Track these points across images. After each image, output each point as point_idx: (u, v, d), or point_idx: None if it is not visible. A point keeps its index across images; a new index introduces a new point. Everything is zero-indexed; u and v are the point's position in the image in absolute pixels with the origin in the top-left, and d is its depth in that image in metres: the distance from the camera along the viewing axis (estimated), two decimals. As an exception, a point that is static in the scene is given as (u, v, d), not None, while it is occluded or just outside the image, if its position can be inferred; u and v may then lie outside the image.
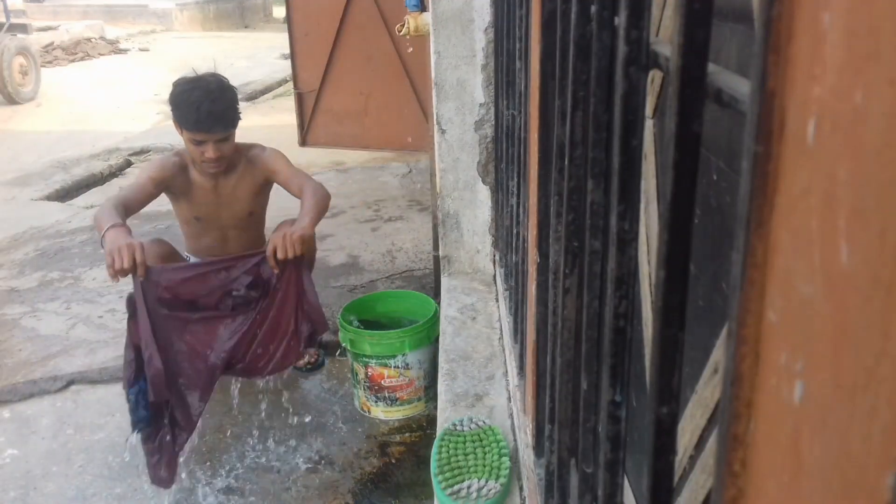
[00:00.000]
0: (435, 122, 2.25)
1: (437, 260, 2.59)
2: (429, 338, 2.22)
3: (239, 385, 2.36)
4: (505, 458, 1.41)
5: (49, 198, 4.55)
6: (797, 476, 0.31)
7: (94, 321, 2.86)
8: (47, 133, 6.33)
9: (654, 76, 1.10)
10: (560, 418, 0.96)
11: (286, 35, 3.99)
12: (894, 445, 0.25)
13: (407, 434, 2.21)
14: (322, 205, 2.21)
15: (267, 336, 2.12)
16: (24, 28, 8.09)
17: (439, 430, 1.56)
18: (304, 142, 4.14)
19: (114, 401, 2.37)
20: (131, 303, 1.99)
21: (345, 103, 3.96)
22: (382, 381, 2.22)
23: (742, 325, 0.36)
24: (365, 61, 3.83)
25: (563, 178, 0.86)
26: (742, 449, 0.37)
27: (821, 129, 0.29)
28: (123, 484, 2.02)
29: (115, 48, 11.00)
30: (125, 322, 2.59)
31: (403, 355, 2.19)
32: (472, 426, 1.51)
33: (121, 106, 7.38)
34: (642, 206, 1.12)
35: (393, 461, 2.10)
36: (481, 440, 1.47)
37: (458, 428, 1.51)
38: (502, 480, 1.37)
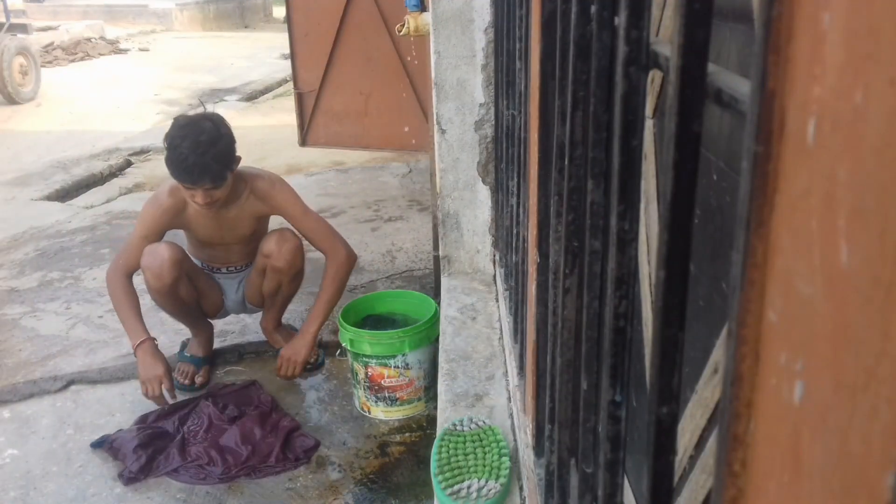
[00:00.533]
0: (435, 122, 2.25)
1: (437, 260, 2.59)
2: (429, 338, 2.22)
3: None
4: (505, 458, 1.41)
5: (49, 198, 4.55)
6: (797, 476, 0.31)
7: (94, 321, 2.86)
8: (47, 133, 6.33)
9: (654, 76, 1.10)
10: (560, 418, 0.96)
11: (286, 35, 3.99)
12: (894, 445, 0.25)
13: (407, 434, 2.21)
14: (342, 285, 2.35)
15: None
16: (24, 28, 8.09)
17: (439, 430, 1.56)
18: (304, 142, 4.14)
19: (114, 401, 2.37)
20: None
21: (345, 103, 3.96)
22: (382, 381, 2.22)
23: (742, 325, 0.36)
24: (365, 61, 3.83)
25: (563, 178, 0.86)
26: (742, 449, 0.37)
27: (821, 129, 0.29)
28: (123, 484, 2.02)
29: (115, 48, 11.00)
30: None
31: (403, 355, 2.19)
32: (472, 426, 1.51)
33: (121, 106, 7.38)
34: (642, 206, 1.12)
35: (393, 461, 2.10)
36: (481, 440, 1.47)
37: (458, 428, 1.51)
38: (502, 480, 1.37)
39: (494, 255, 2.30)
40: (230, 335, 2.69)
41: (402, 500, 1.96)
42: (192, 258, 2.44)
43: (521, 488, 1.39)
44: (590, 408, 0.81)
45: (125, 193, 4.63)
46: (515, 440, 1.52)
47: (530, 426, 1.25)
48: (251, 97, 7.85)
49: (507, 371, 1.76)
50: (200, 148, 2.04)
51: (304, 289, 2.95)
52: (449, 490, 1.35)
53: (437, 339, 2.13)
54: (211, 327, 2.55)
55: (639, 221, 0.63)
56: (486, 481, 1.36)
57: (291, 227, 2.34)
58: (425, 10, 2.63)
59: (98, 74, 9.11)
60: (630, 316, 0.64)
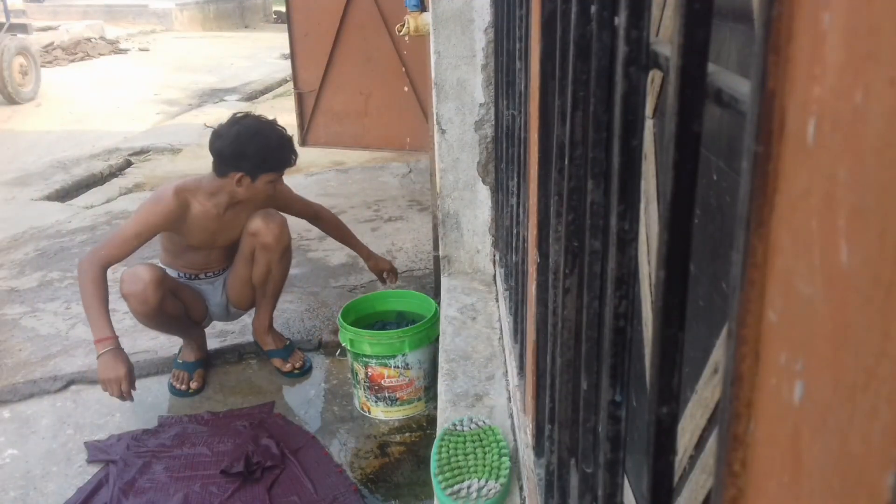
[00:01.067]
0: (435, 122, 2.25)
1: (437, 260, 2.59)
2: (429, 338, 2.22)
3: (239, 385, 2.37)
4: (505, 458, 1.41)
5: (49, 198, 4.55)
6: (797, 476, 0.31)
7: (94, 321, 2.85)
8: (47, 133, 6.33)
9: (654, 76, 1.10)
10: (560, 418, 0.96)
11: (286, 35, 3.99)
12: (894, 445, 0.25)
13: (407, 434, 2.21)
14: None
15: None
16: (24, 28, 8.09)
17: (439, 430, 1.56)
18: (304, 142, 4.14)
19: (114, 401, 2.37)
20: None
21: (345, 103, 3.96)
22: (382, 381, 2.22)
23: (742, 325, 0.36)
24: (365, 61, 3.83)
25: (563, 178, 0.86)
26: (742, 449, 0.37)
27: (821, 129, 0.29)
28: (123, 484, 2.02)
29: (115, 48, 11.01)
30: (125, 322, 2.60)
31: (403, 355, 2.19)
32: (472, 426, 1.51)
33: (121, 106, 7.38)
34: (642, 206, 1.12)
35: (393, 461, 2.10)
36: (481, 440, 1.47)
37: (458, 428, 1.51)
38: (502, 480, 1.37)
39: (494, 255, 2.30)
40: (230, 335, 2.69)
41: (402, 500, 1.96)
42: (169, 269, 2.42)
43: (521, 488, 1.39)
44: (590, 408, 0.81)
45: (125, 193, 4.64)
46: (515, 440, 1.52)
47: (530, 426, 1.25)
48: (251, 97, 7.85)
49: (507, 371, 1.76)
50: (276, 130, 2.23)
51: (305, 288, 2.96)
52: (449, 490, 1.35)
53: (437, 339, 2.13)
54: (202, 331, 2.54)
55: (639, 221, 0.63)
56: (486, 481, 1.36)
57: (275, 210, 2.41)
58: (425, 10, 2.63)
59: (98, 74, 9.11)
60: (630, 316, 0.64)
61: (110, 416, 2.30)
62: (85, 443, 2.16)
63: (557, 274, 0.90)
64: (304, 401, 2.39)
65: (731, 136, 1.02)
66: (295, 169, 5.21)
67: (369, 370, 2.21)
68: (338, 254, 3.39)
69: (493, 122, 2.17)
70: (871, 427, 0.26)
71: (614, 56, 0.65)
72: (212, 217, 2.26)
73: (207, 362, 2.53)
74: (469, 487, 1.35)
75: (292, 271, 2.58)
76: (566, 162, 0.83)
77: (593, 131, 0.73)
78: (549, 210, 0.97)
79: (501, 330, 1.95)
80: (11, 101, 7.32)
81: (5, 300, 3.07)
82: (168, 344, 2.56)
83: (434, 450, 1.46)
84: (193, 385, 2.42)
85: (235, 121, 2.22)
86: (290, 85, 4.28)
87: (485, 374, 1.80)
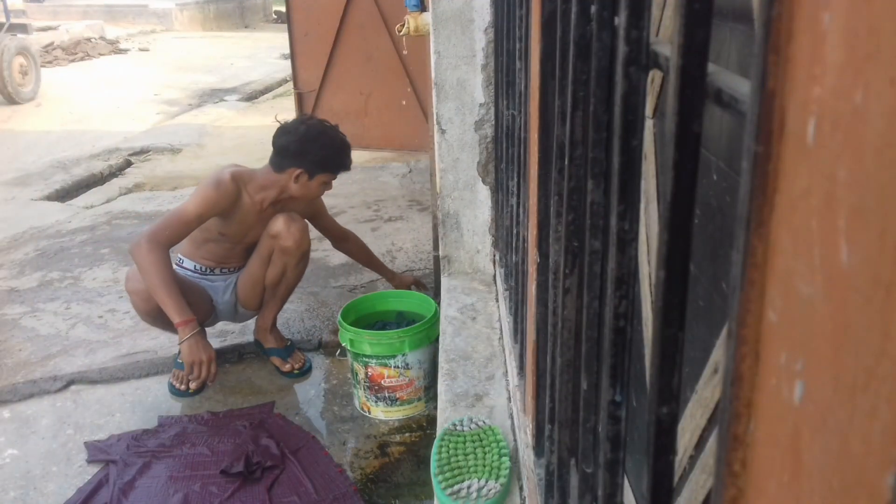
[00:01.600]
0: (435, 122, 2.25)
1: (437, 260, 2.59)
2: (429, 338, 2.22)
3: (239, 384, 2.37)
4: (505, 458, 1.41)
5: (49, 198, 4.55)
6: (797, 476, 0.31)
7: (94, 321, 2.86)
8: (47, 133, 6.33)
9: (654, 76, 1.10)
10: (560, 418, 0.96)
11: (286, 35, 4.00)
12: (894, 445, 0.25)
13: (407, 434, 2.21)
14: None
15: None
16: (24, 28, 8.10)
17: (439, 430, 1.56)
18: (304, 142, 4.13)
19: (114, 401, 2.37)
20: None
21: (345, 103, 3.96)
22: (382, 381, 2.22)
23: (742, 325, 0.36)
24: (365, 61, 3.84)
25: (563, 178, 0.86)
26: (742, 449, 0.37)
27: (821, 129, 0.29)
28: (123, 484, 2.02)
29: (115, 48, 11.01)
30: (125, 322, 2.60)
31: (403, 355, 2.19)
32: (472, 426, 1.51)
33: (121, 106, 7.38)
34: (642, 206, 1.12)
35: (393, 461, 2.10)
36: (481, 440, 1.47)
37: (458, 428, 1.51)
38: (502, 480, 1.37)
39: (494, 255, 2.30)
40: (230, 335, 2.69)
41: (402, 500, 1.96)
42: (186, 259, 2.43)
43: (521, 488, 1.39)
44: (590, 408, 0.81)
45: (125, 193, 4.64)
46: (515, 440, 1.52)
47: (530, 426, 1.25)
48: (251, 97, 7.85)
49: (507, 371, 1.76)
50: (338, 132, 2.31)
51: (305, 288, 2.96)
52: (449, 490, 1.35)
53: (437, 339, 2.13)
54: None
55: (639, 221, 0.63)
56: (486, 481, 1.36)
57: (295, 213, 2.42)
58: (425, 10, 2.63)
59: (98, 74, 9.11)
60: (630, 316, 0.64)
61: (110, 416, 2.30)
62: (85, 443, 2.16)
63: (557, 274, 0.90)
64: (304, 401, 2.39)
65: (731, 136, 1.02)
66: (295, 169, 5.17)
67: (369, 370, 2.21)
68: (338, 254, 3.39)
69: (493, 122, 2.17)
70: (871, 427, 0.26)
71: (614, 56, 0.65)
72: (255, 210, 2.31)
73: None
74: (469, 487, 1.35)
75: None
76: (566, 162, 0.83)
77: (593, 131, 0.73)
78: (549, 210, 0.97)
79: (501, 330, 1.95)
80: (11, 101, 7.32)
81: (5, 300, 3.07)
82: (168, 344, 2.56)
83: (434, 450, 1.46)
84: (193, 385, 2.42)
85: (302, 120, 2.35)
86: (290, 85, 4.28)
87: (485, 374, 1.80)
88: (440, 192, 2.32)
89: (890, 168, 0.25)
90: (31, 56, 7.67)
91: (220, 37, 12.84)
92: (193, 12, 13.84)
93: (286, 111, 4.55)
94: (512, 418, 1.60)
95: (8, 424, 2.27)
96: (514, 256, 1.59)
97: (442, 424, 1.60)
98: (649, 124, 1.18)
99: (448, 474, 1.38)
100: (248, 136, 5.83)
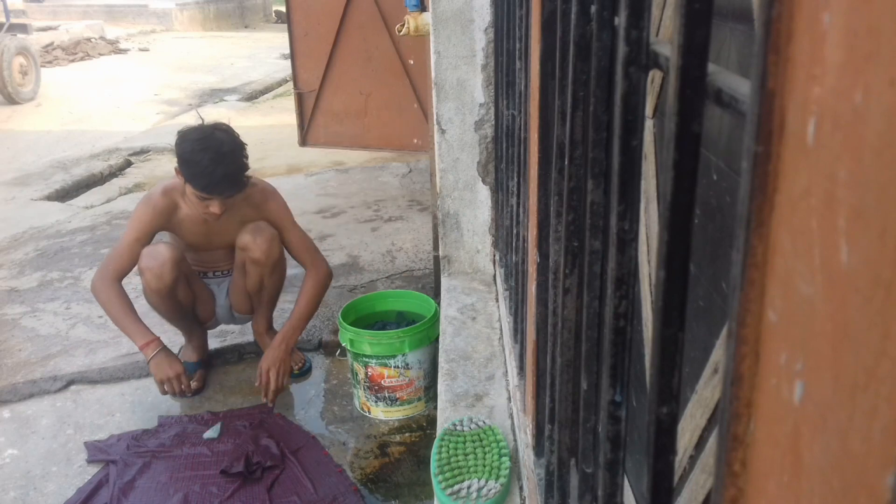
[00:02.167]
0: (435, 122, 2.25)
1: (437, 260, 2.59)
2: (429, 338, 2.22)
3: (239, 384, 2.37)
4: (505, 458, 1.41)
5: (49, 198, 4.55)
6: (797, 476, 0.31)
7: (95, 321, 2.86)
8: (47, 133, 6.33)
9: (654, 76, 1.10)
10: (560, 418, 0.96)
11: (286, 35, 3.99)
12: (894, 445, 0.25)
13: (407, 434, 2.21)
14: (318, 300, 2.38)
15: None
16: (24, 28, 8.10)
17: (439, 430, 1.56)
18: (304, 142, 4.14)
19: (114, 401, 2.38)
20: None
21: (345, 103, 3.96)
22: (382, 381, 2.22)
23: (742, 325, 0.36)
24: (365, 61, 3.83)
25: (563, 178, 0.86)
26: (742, 449, 0.37)
27: (821, 129, 0.29)
28: (123, 484, 2.02)
29: (115, 48, 11.01)
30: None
31: (403, 355, 2.19)
32: (472, 426, 1.51)
33: (121, 106, 7.38)
34: (642, 206, 1.12)
35: (393, 461, 2.10)
36: (481, 440, 1.47)
37: (458, 428, 1.51)
38: (502, 480, 1.37)
39: (494, 255, 2.30)
40: (230, 335, 2.69)
41: (402, 500, 1.96)
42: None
43: (521, 488, 1.39)
44: (590, 408, 0.81)
45: (125, 193, 4.64)
46: (515, 440, 1.52)
47: (530, 426, 1.25)
48: (251, 97, 7.85)
49: (507, 371, 1.76)
50: (226, 158, 2.07)
51: (304, 289, 2.95)
52: (449, 490, 1.35)
53: (437, 339, 2.13)
54: (204, 332, 2.55)
55: (639, 221, 0.63)
56: (486, 481, 1.36)
57: (266, 223, 2.33)
58: (425, 10, 2.63)
59: (98, 74, 9.11)
60: (630, 316, 0.64)
61: (110, 416, 2.30)
62: (85, 443, 2.16)
63: (557, 274, 0.90)
64: (304, 401, 2.39)
65: (731, 136, 1.02)
66: (295, 169, 5.21)
67: (369, 370, 2.21)
68: (337, 254, 3.40)
69: (493, 122, 2.17)
70: (871, 427, 0.26)
71: (614, 56, 0.65)
72: (199, 220, 2.25)
73: (208, 362, 2.53)
74: (469, 487, 1.35)
75: (292, 271, 2.58)
76: (566, 162, 0.83)
77: (593, 131, 0.73)
78: (549, 210, 0.97)
79: (501, 330, 1.95)
80: (11, 101, 7.32)
81: (5, 300, 3.07)
82: (168, 344, 2.56)
83: (434, 450, 1.46)
84: (194, 385, 2.42)
85: (210, 126, 2.16)
86: (290, 85, 4.27)
87: (485, 374, 1.80)
88: (440, 192, 2.32)
89: (890, 168, 0.25)
90: (31, 56, 7.67)
91: (220, 37, 12.83)
92: (193, 12, 13.84)
93: (286, 111, 4.56)
94: (512, 418, 1.60)
95: (8, 424, 2.27)
96: (514, 256, 1.59)
97: (442, 424, 1.60)
98: (649, 124, 1.18)
99: (448, 474, 1.38)
100: (248, 136, 5.80)
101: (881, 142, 0.25)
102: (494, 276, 2.29)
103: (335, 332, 2.47)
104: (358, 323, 2.33)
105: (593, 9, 0.69)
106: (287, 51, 4.16)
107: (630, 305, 0.64)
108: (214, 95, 7.92)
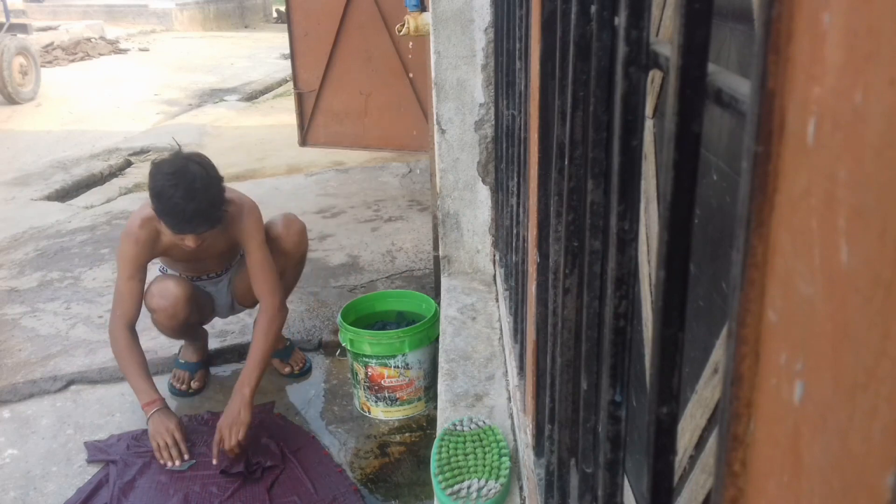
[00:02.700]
0: (435, 122, 2.25)
1: (437, 260, 2.59)
2: (429, 338, 2.22)
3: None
4: (505, 458, 1.41)
5: (49, 198, 4.55)
6: (797, 476, 0.31)
7: (94, 321, 2.86)
8: (47, 133, 6.33)
9: (654, 76, 1.10)
10: (560, 418, 0.96)
11: (286, 35, 3.99)
12: (894, 445, 0.25)
13: (407, 434, 2.21)
14: (274, 342, 2.21)
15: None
16: (24, 28, 8.10)
17: (439, 430, 1.56)
18: (304, 142, 4.14)
19: (114, 401, 2.38)
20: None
21: (345, 103, 3.96)
22: (382, 381, 2.22)
23: (742, 325, 0.36)
24: (365, 61, 3.83)
25: (563, 178, 0.86)
26: (742, 449, 0.37)
27: (821, 129, 0.29)
28: (123, 484, 2.02)
29: (115, 48, 11.00)
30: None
31: (403, 355, 2.19)
32: (472, 426, 1.51)
33: (121, 106, 7.38)
34: (642, 206, 1.12)
35: (393, 461, 2.10)
36: (481, 440, 1.47)
37: (458, 428, 1.51)
38: (502, 480, 1.37)
39: (494, 255, 2.30)
40: (230, 335, 2.69)
41: (402, 500, 1.96)
42: (168, 270, 2.40)
43: (521, 488, 1.39)
44: (590, 408, 0.81)
45: (125, 193, 4.64)
46: (515, 440, 1.52)
47: (530, 426, 1.25)
48: (251, 97, 7.85)
49: (507, 371, 1.76)
50: (197, 196, 1.92)
51: (305, 288, 2.96)
52: (449, 490, 1.35)
53: (437, 339, 2.13)
54: (205, 333, 2.54)
55: (639, 221, 0.63)
56: (486, 481, 1.36)
57: (293, 214, 2.38)
58: (425, 10, 2.63)
59: (98, 74, 9.11)
60: (630, 316, 0.64)
61: (110, 416, 2.30)
62: (85, 443, 2.16)
63: (557, 274, 0.90)
64: (304, 401, 2.39)
65: (731, 136, 1.02)
66: (295, 169, 5.21)
67: (369, 370, 2.21)
68: (338, 254, 3.40)
69: (493, 122, 2.17)
70: (871, 427, 0.26)
71: (614, 56, 0.65)
72: (181, 247, 2.14)
73: (208, 362, 2.54)
74: (469, 487, 1.35)
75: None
76: (566, 162, 0.83)
77: (593, 131, 0.73)
78: (549, 210, 0.97)
79: (501, 330, 1.95)
80: (11, 101, 7.32)
81: (5, 300, 3.07)
82: (168, 344, 2.56)
83: (434, 450, 1.46)
84: (194, 385, 2.42)
85: (184, 157, 2.03)
86: (290, 85, 4.27)
87: (485, 374, 1.80)
88: (440, 192, 2.32)
89: (890, 168, 0.25)
90: (31, 56, 7.67)
91: (220, 37, 12.83)
92: (193, 12, 13.84)
93: (286, 111, 4.55)
94: (512, 418, 1.60)
95: (8, 424, 2.27)
96: (514, 256, 1.59)
97: (442, 424, 1.60)
98: (649, 124, 1.18)
99: (448, 474, 1.38)
100: (248, 136, 5.84)
101: (881, 142, 0.25)
102: (494, 276, 2.29)
103: (335, 332, 2.47)
104: (358, 323, 2.33)
105: (593, 9, 0.69)
106: (287, 51, 4.16)
107: (630, 305, 0.64)
108: (214, 95, 7.92)
